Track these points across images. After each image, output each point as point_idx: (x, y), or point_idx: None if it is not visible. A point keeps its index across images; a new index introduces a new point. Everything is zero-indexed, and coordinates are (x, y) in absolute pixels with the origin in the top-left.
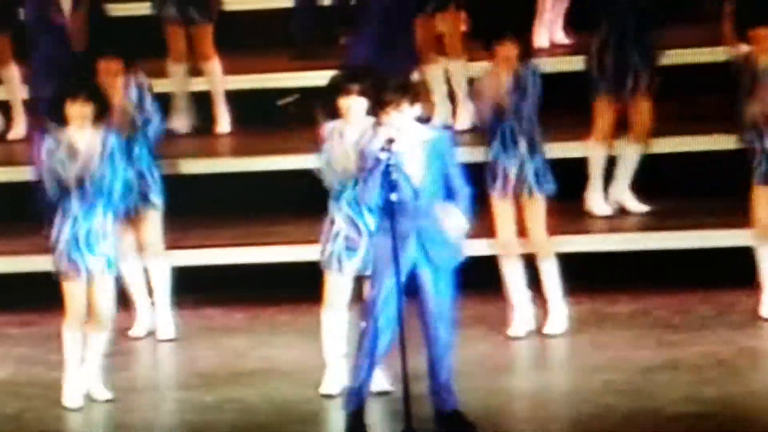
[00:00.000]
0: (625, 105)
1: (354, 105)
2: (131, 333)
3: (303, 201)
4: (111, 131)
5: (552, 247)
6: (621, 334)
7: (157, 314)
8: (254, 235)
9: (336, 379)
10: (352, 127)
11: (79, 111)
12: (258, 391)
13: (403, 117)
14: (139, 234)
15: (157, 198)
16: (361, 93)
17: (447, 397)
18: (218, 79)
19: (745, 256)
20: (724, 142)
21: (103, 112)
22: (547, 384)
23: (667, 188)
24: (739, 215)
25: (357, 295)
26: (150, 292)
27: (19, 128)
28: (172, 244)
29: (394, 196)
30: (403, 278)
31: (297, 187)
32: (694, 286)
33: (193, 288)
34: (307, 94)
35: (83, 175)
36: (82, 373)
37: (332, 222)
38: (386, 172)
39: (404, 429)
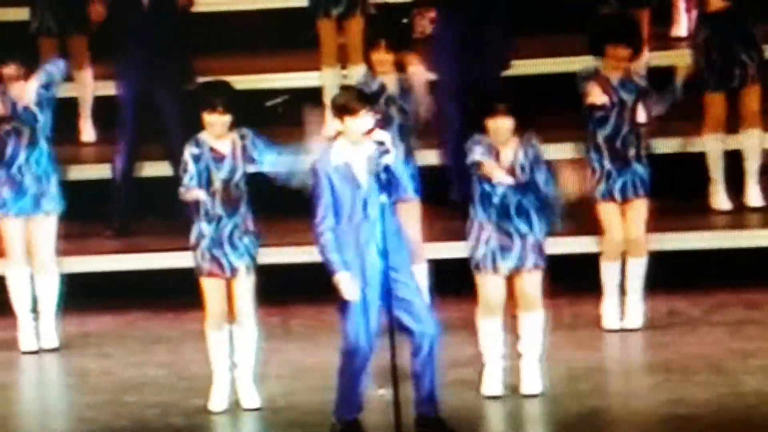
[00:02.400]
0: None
1: (502, 124)
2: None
3: (290, 202)
4: (249, 133)
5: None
6: (609, 335)
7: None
8: None
9: (497, 379)
10: (504, 146)
11: (218, 119)
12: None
13: (360, 123)
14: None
15: (50, 205)
16: (508, 112)
17: (428, 403)
18: (89, 89)
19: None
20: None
21: (239, 119)
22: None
23: None
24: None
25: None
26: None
27: (88, 130)
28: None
29: (383, 198)
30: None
31: (283, 188)
32: (682, 288)
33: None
34: (294, 95)
35: (230, 178)
36: (228, 376)
37: (481, 226)
38: (378, 175)
39: None
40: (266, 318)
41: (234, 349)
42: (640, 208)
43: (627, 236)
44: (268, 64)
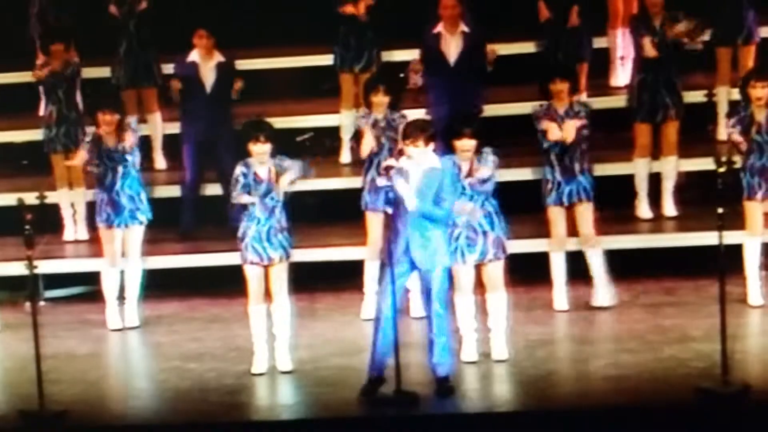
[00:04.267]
0: (658, 129)
1: (468, 145)
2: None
3: (317, 213)
4: (282, 160)
5: None
6: (559, 314)
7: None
8: None
9: (472, 348)
10: (466, 163)
11: (261, 148)
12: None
13: (418, 150)
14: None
15: (142, 216)
16: (473, 135)
17: (437, 367)
18: (159, 128)
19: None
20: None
21: (278, 149)
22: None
23: None
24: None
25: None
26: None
27: (160, 160)
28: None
29: (389, 210)
30: (406, 273)
31: (313, 202)
32: (615, 277)
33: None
34: (318, 132)
35: (265, 195)
36: (266, 346)
37: (454, 224)
38: (386, 192)
39: (395, 390)
40: (297, 302)
41: (272, 324)
42: (585, 210)
43: (580, 234)
44: (298, 108)
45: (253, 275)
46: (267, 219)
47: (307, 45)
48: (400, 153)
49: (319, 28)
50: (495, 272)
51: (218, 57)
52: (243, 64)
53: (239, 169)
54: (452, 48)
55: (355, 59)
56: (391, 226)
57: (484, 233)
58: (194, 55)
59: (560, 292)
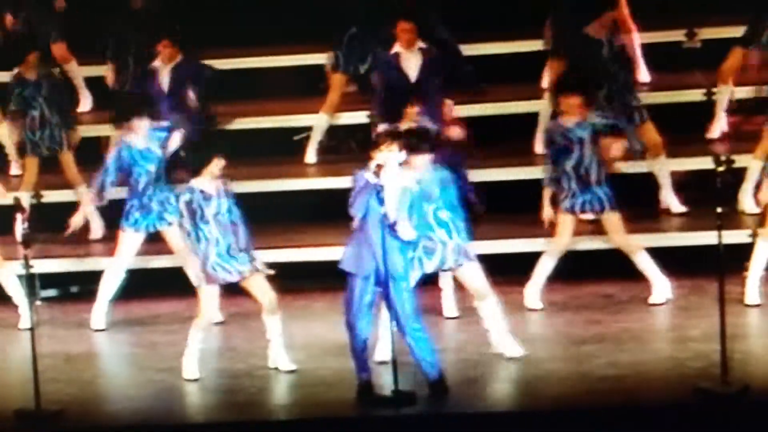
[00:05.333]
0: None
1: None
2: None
3: (313, 212)
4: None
5: None
6: (558, 314)
7: None
8: (275, 240)
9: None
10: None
11: (216, 166)
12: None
13: (389, 156)
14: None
15: (171, 217)
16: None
17: (428, 369)
18: None
19: None
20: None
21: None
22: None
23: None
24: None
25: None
26: None
27: None
28: None
29: (382, 210)
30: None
31: (309, 202)
32: (613, 277)
33: None
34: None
35: (218, 212)
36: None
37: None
38: (377, 191)
39: (393, 390)
40: (293, 301)
41: (267, 330)
42: (609, 219)
43: (616, 245)
44: (294, 107)
45: (212, 295)
46: (224, 237)
47: (305, 44)
48: (369, 159)
49: (317, 27)
50: (469, 279)
51: (178, 58)
52: (241, 63)
53: (183, 199)
54: (412, 64)
55: (360, 60)
56: (359, 232)
57: (443, 243)
58: (156, 63)
59: (535, 291)
